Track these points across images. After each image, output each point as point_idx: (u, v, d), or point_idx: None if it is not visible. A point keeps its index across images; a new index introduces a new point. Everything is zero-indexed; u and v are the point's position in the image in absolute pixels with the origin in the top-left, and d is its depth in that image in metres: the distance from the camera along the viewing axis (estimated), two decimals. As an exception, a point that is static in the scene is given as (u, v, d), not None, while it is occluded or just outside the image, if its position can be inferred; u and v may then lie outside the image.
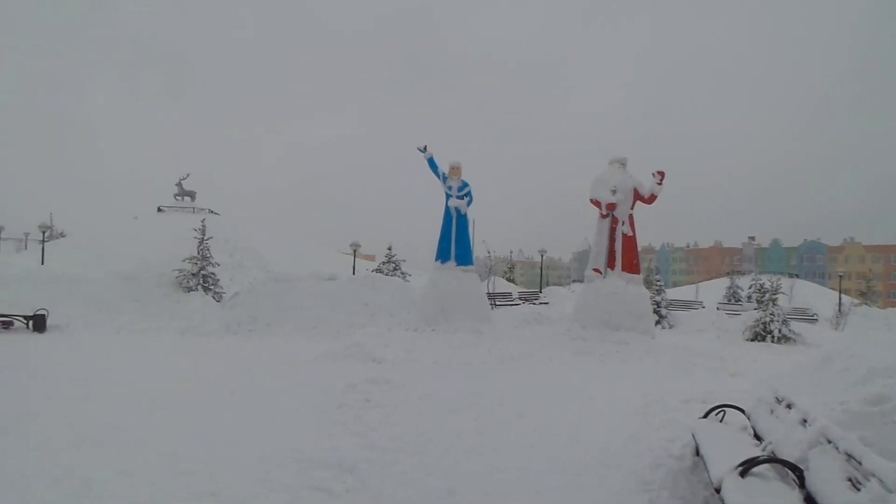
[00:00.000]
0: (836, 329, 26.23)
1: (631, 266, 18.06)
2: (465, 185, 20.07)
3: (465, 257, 19.65)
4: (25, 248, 47.93)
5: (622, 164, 18.76)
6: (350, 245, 32.46)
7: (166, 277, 23.07)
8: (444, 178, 20.09)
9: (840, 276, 38.45)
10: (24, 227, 53.36)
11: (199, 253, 23.32)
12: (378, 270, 30.75)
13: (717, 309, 30.23)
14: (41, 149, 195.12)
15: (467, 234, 20.06)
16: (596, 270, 18.39)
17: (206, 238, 23.63)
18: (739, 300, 37.81)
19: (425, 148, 20.23)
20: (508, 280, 48.23)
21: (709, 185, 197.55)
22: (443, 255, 19.72)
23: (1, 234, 46.10)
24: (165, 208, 41.26)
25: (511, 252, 56.65)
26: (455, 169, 20.12)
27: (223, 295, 23.42)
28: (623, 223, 18.20)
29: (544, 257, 43.85)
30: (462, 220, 19.85)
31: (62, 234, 48.77)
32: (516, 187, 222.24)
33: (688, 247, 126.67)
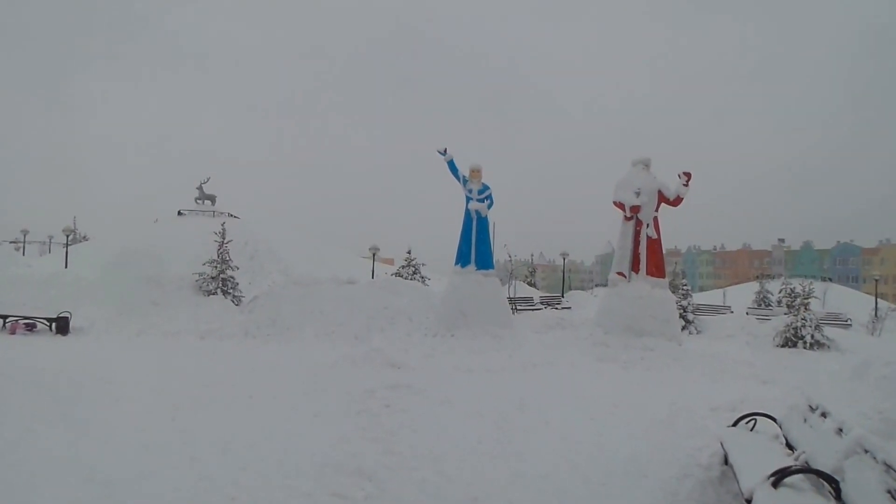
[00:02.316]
0: (872, 335, 25.78)
1: (656, 269, 17.91)
2: (486, 187, 20.06)
3: (485, 261, 19.64)
4: (49, 251, 48.64)
5: (646, 165, 18.61)
6: (369, 249, 32.60)
7: (186, 281, 23.26)
8: (465, 181, 20.09)
9: (876, 280, 37.83)
10: (48, 231, 54.06)
11: (218, 256, 23.48)
12: (397, 274, 30.75)
13: (747, 314, 29.87)
14: (62, 153, 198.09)
15: (488, 238, 20.05)
16: (620, 274, 18.26)
17: (225, 241, 23.79)
18: (769, 305, 37.33)
19: (445, 150, 20.24)
20: (530, 284, 48.00)
21: (736, 184, 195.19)
22: (463, 258, 19.71)
23: (25, 237, 46.75)
24: (186, 212, 41.65)
25: (532, 255, 56.08)
26: (475, 171, 20.13)
27: (242, 298, 23.56)
28: (648, 225, 18.06)
29: (566, 261, 43.65)
30: (482, 223, 19.84)
31: (85, 238, 49.46)
32: (538, 189, 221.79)
33: (715, 249, 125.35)
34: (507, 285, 34.12)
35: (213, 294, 22.78)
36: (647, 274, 17.85)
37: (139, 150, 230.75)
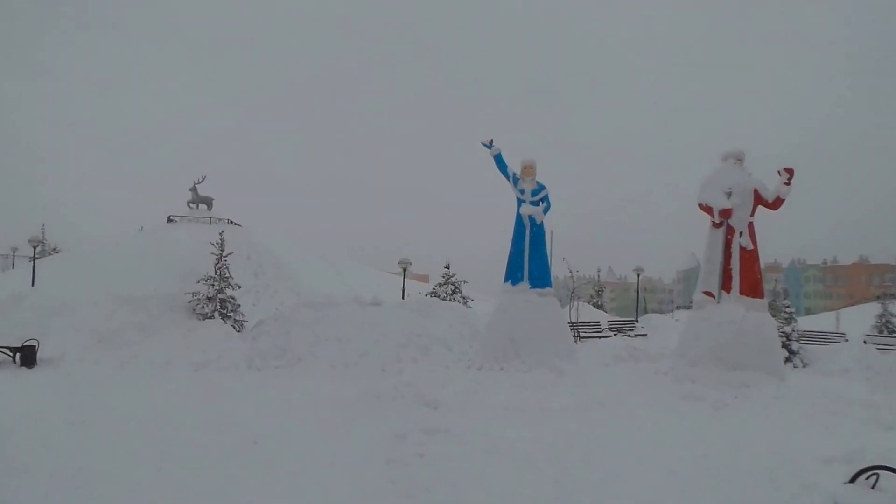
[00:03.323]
0: None
1: (752, 288, 17.64)
2: (541, 187, 19.99)
3: (541, 277, 19.58)
4: (13, 266, 49.58)
5: (738, 159, 18.39)
6: (399, 263, 32.71)
7: (177, 302, 23.61)
8: (515, 180, 20.07)
9: None
10: (11, 241, 54.00)
11: (216, 272, 23.79)
12: (433, 294, 30.89)
13: (865, 343, 29.18)
14: (30, 148, 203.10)
15: (544, 249, 20.00)
16: (707, 294, 18.03)
17: (224, 254, 24.11)
18: (894, 331, 36.51)
19: (491, 143, 20.26)
20: (596, 306, 47.79)
21: (851, 184, 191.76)
22: (514, 274, 19.69)
23: (-18, 250, 47.92)
24: (177, 218, 42.33)
25: (599, 271, 56.04)
26: (528, 168, 20.10)
27: (245, 323, 23.82)
28: (741, 234, 17.82)
29: (641, 277, 43.33)
30: (537, 231, 19.81)
31: (55, 250, 50.52)
32: (605, 190, 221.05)
33: (825, 263, 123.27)
34: (568, 307, 33.98)
35: (210, 318, 23.09)
36: (741, 293, 17.61)
37: (125, 145, 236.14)
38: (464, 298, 31.34)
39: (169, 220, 42.52)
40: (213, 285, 23.62)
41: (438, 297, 30.08)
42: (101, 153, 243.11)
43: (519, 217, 19.85)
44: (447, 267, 32.23)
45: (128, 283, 25.43)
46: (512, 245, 19.97)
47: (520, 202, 19.89)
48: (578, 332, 28.24)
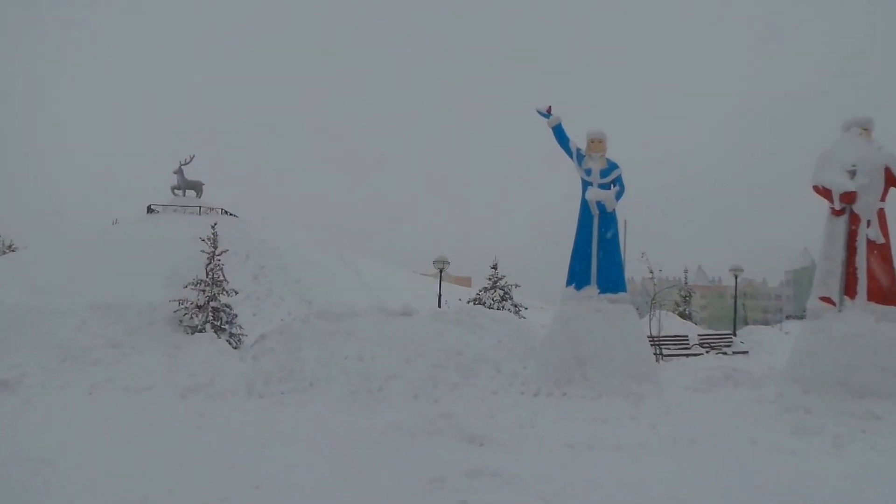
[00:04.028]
0: None
1: (883, 293, 17.30)
2: (613, 166, 19.84)
3: (613, 280, 19.45)
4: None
5: (865, 128, 18.03)
6: (434, 263, 32.77)
7: (160, 312, 23.84)
8: (580, 158, 19.94)
9: None
10: None
11: (207, 275, 23.97)
12: (478, 301, 30.88)
13: None
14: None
15: (617, 245, 19.88)
16: (825, 300, 17.73)
17: (218, 252, 24.26)
18: None
19: (549, 111, 20.15)
20: (683, 316, 47.35)
21: None
22: (578, 276, 19.59)
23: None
24: (158, 208, 42.70)
25: (686, 271, 55.30)
26: (596, 141, 19.95)
27: (243, 338, 23.97)
28: (869, 224, 17.49)
29: (739, 279, 42.86)
30: (608, 221, 19.67)
31: (11, 248, 51.22)
32: (692, 169, 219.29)
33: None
34: (648, 317, 33.68)
35: (201, 331, 23.28)
36: (870, 300, 17.26)
37: (95, 118, 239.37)
38: (515, 307, 31.25)
39: (149, 210, 42.80)
40: (203, 291, 23.80)
41: (484, 304, 30.04)
42: (66, 129, 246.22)
43: (585, 204, 19.71)
44: (494, 267, 32.17)
45: (100, 288, 25.63)
46: (576, 239, 19.85)
47: (585, 185, 19.75)
48: (661, 349, 28.02)
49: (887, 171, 17.45)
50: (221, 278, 24.09)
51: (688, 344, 32.00)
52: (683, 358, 27.64)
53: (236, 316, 24.33)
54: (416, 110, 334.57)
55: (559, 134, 20.01)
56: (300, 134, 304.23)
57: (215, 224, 25.44)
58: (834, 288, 17.65)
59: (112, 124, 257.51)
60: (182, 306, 23.67)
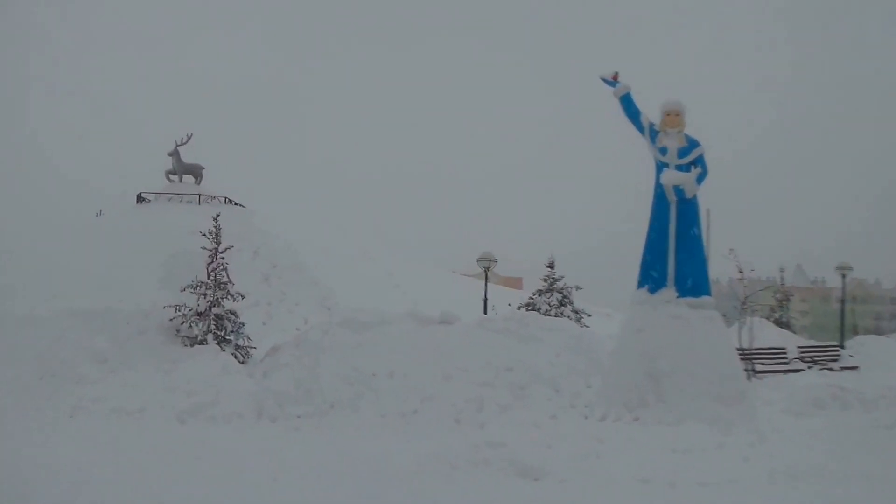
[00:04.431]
0: None
1: None
2: (694, 144, 19.60)
3: (695, 281, 19.26)
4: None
5: None
6: (478, 261, 32.60)
7: (154, 320, 23.90)
8: (653, 134, 19.75)
9: None
10: None
11: (209, 276, 24.01)
12: (531, 306, 30.74)
13: None
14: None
15: (699, 239, 19.67)
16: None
17: (221, 249, 24.28)
18: None
19: (615, 78, 19.99)
20: (779, 324, 46.84)
21: None
22: (652, 277, 19.41)
23: None
24: (150, 196, 42.98)
25: (782, 270, 54.75)
26: (673, 115, 19.72)
27: (252, 351, 24.01)
28: None
29: (848, 280, 42.40)
30: (688, 210, 19.46)
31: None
32: (786, 146, 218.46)
33: None
34: (738, 325, 33.35)
35: (202, 342, 23.32)
36: None
37: (76, 91, 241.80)
38: (576, 313, 31.14)
39: (140, 198, 43.19)
40: (204, 295, 23.85)
41: (539, 310, 29.87)
42: (43, 103, 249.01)
43: (660, 190, 19.52)
44: (551, 266, 31.97)
45: (82, 292, 25.82)
46: (648, 233, 19.68)
47: (660, 167, 19.55)
48: (753, 364, 27.75)
49: None
50: (226, 280, 24.13)
51: (786, 358, 31.67)
52: (781, 375, 27.38)
53: (243, 325, 24.37)
54: (443, 100, 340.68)
55: (628, 105, 19.85)
56: (319, 116, 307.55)
57: (218, 215, 25.37)
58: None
59: (93, 97, 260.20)
60: (179, 313, 23.72)
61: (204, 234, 24.40)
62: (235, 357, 23.15)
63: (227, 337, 23.69)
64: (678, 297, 19.06)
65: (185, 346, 23.17)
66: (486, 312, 29.95)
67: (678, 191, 19.24)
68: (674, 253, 19.21)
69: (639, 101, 19.94)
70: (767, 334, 38.47)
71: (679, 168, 19.36)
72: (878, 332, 75.72)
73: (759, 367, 28.36)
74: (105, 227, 35.89)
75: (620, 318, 20.83)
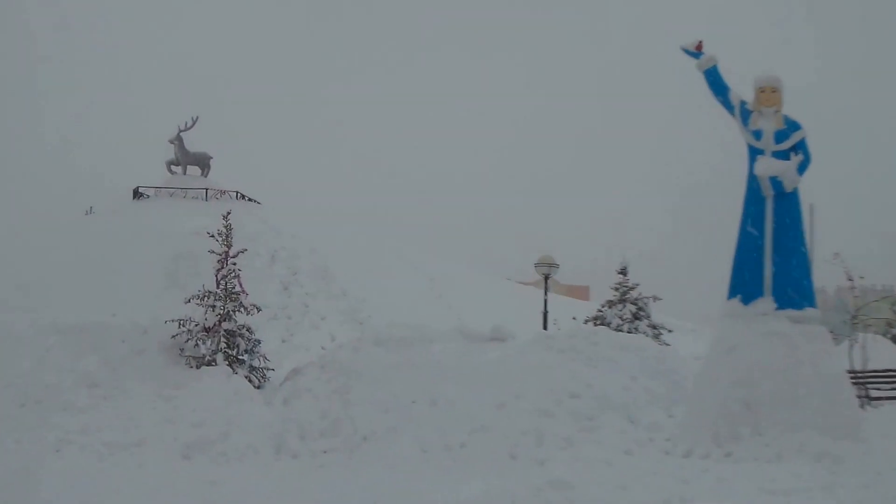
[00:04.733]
0: None
1: None
2: (794, 126, 19.44)
3: (796, 290, 19.13)
4: None
5: None
6: (536, 267, 32.58)
7: (154, 337, 24.07)
8: (745, 114, 19.70)
9: None
10: None
11: (219, 285, 24.18)
12: (600, 320, 30.78)
13: None
14: None
15: (801, 239, 19.58)
16: None
17: (233, 253, 24.45)
18: None
19: (699, 47, 20.02)
20: (898, 341, 46.51)
21: None
22: (745, 285, 19.31)
23: None
24: (149, 192, 43.32)
25: (903, 277, 54.55)
26: (769, 91, 19.57)
27: (269, 374, 24.19)
28: None
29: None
30: (787, 205, 19.36)
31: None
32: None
33: None
34: (847, 343, 33.20)
35: (210, 363, 23.46)
36: None
37: (60, 70, 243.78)
38: (654, 328, 31.00)
39: (137, 194, 43.56)
40: (213, 307, 23.97)
41: (609, 325, 29.89)
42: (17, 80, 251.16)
43: (753, 181, 19.42)
44: (623, 272, 31.86)
45: (69, 304, 26.01)
46: (740, 232, 19.57)
47: (754, 154, 19.45)
48: (867, 390, 27.57)
49: None
50: (238, 289, 24.26)
51: (906, 382, 31.48)
52: (900, 402, 27.24)
53: (259, 342, 24.50)
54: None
55: (714, 80, 19.79)
56: (349, 105, 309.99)
57: (229, 213, 25.29)
58: None
59: (86, 72, 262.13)
60: (183, 329, 23.79)
61: (212, 236, 24.50)
62: (250, 381, 23.26)
63: (240, 357, 23.80)
64: (777, 309, 18.93)
65: (191, 367, 23.24)
66: (546, 328, 29.98)
67: (775, 183, 19.14)
68: (771, 257, 19.07)
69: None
70: (884, 353, 38.13)
71: (776, 155, 19.27)
72: None
73: (874, 393, 28.20)
74: (96, 228, 36.11)
75: (708, 335, 20.78)
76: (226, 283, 24.04)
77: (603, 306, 32.32)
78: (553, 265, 32.03)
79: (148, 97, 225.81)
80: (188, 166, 43.77)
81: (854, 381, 24.20)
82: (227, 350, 23.59)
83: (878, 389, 28.95)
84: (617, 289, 31.71)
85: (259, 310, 24.96)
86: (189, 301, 24.05)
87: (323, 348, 25.69)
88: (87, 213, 43.00)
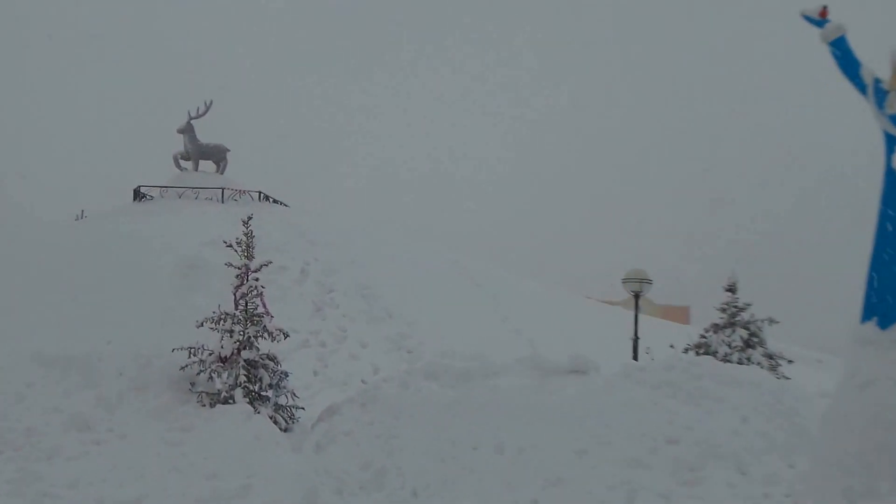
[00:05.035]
0: None
1: None
2: (945, 109, 19.28)
3: (948, 311, 18.91)
4: None
5: None
6: (624, 283, 32.47)
7: (157, 369, 24.04)
8: (880, 95, 19.39)
9: None
10: None
11: (238, 306, 24.13)
12: (703, 348, 30.58)
13: None
14: None
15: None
16: None
17: (255, 268, 24.38)
18: None
19: (823, 14, 19.72)
20: None
21: None
22: (883, 305, 19.02)
23: None
24: (152, 193, 43.45)
25: None
26: (912, 66, 19.42)
27: (299, 413, 24.10)
28: None
29: None
30: (934, 207, 19.13)
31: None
32: None
33: None
34: None
35: (227, 401, 23.39)
36: None
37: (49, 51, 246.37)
38: (771, 358, 30.74)
39: (138, 194, 43.73)
40: (230, 333, 23.90)
41: (715, 354, 29.63)
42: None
43: (891, 177, 19.17)
44: (731, 289, 31.58)
45: (54, 329, 26.04)
46: (876, 240, 19.27)
47: (892, 143, 19.18)
48: None
49: None
50: (261, 310, 24.20)
51: None
52: None
53: (286, 375, 24.46)
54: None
55: (844, 53, 19.38)
56: (390, 99, 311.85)
57: (250, 218, 25.23)
58: None
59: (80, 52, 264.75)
60: (194, 359, 23.72)
61: (229, 245, 24.42)
62: (275, 422, 23.19)
63: (263, 393, 23.75)
64: (926, 333, 18.75)
65: (203, 405, 23.16)
66: (636, 358, 29.84)
67: (922, 182, 18.96)
68: (917, 271, 18.89)
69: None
70: None
71: (920, 143, 19.08)
72: None
73: None
74: (88, 237, 36.19)
75: (837, 367, 20.51)
76: (246, 304, 23.98)
77: (707, 331, 32.03)
78: (645, 280, 31.86)
79: (149, 80, 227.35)
80: (200, 161, 43.83)
81: None
82: (247, 385, 23.52)
83: None
84: (724, 310, 31.45)
85: (286, 335, 24.87)
86: (201, 325, 23.99)
87: (364, 382, 25.58)
88: (77, 219, 43.15)
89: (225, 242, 24.59)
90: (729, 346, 30.64)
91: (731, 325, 30.97)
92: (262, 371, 23.81)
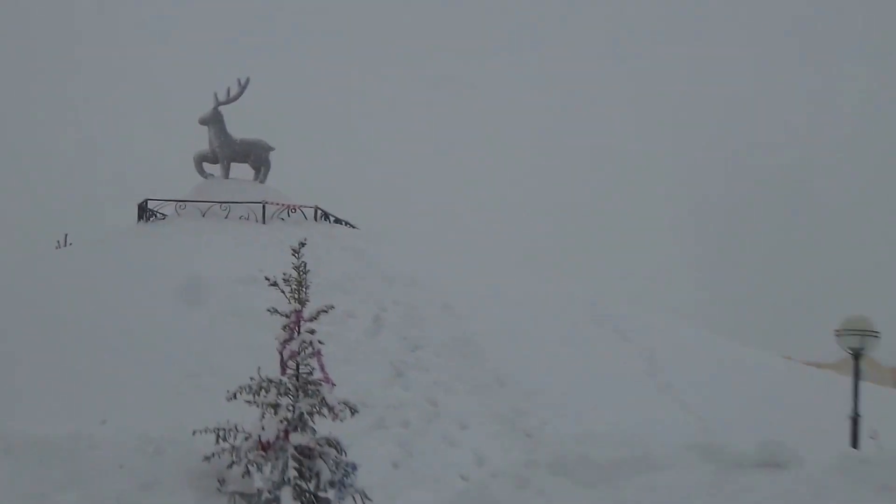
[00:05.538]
0: None
1: None
2: None
3: None
4: None
5: None
6: (838, 335, 31.85)
7: (171, 459, 23.59)
8: None
9: None
10: None
11: (285, 368, 23.55)
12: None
13: None
14: None
15: None
16: None
17: (307, 317, 23.74)
18: None
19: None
20: None
21: None
22: None
23: None
24: (162, 207, 43.34)
25: None
26: None
27: (374, 520, 23.57)
28: None
29: None
30: None
31: None
32: None
33: None
34: None
35: (270, 503, 22.83)
36: None
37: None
38: None
39: (145, 212, 43.65)
40: (275, 408, 23.36)
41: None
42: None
43: None
44: None
45: (29, 404, 25.73)
46: None
47: None
48: None
49: None
50: (318, 375, 23.61)
51: None
52: None
53: (355, 468, 23.93)
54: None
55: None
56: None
57: (303, 245, 24.81)
58: None
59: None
60: (225, 445, 23.27)
61: (273, 284, 23.94)
62: (338, 534, 22.74)
63: (322, 494, 23.27)
64: None
65: (235, 505, 22.74)
66: (855, 444, 29.32)
67: None
68: None
69: None
70: None
71: None
72: None
73: None
74: (72, 273, 36.20)
75: None
76: (297, 366, 23.39)
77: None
78: (870, 333, 31.25)
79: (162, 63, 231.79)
80: (232, 163, 43.63)
81: None
82: (298, 482, 22.97)
83: None
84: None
85: (355, 411, 24.31)
86: (234, 397, 23.48)
87: (464, 479, 24.99)
88: (58, 247, 43.06)
89: (267, 280, 24.04)
90: None
91: None
92: (319, 462, 23.27)
